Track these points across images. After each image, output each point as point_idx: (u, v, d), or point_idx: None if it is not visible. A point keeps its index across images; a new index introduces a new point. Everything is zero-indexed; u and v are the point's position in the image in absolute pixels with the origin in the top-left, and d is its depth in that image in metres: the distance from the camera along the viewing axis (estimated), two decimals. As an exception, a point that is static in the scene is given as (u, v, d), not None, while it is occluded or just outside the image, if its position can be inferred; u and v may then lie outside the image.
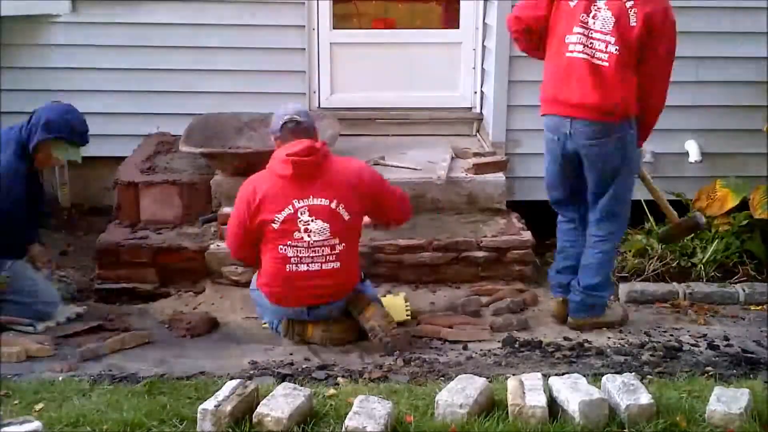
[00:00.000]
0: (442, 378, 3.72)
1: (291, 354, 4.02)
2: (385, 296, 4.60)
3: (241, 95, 5.73)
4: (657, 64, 4.09)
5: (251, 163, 4.56)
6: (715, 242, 5.08)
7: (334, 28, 5.93)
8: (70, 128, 4.28)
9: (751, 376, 3.77)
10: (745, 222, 5.11)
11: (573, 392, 3.11)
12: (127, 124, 5.81)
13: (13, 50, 5.62)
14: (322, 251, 4.00)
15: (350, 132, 5.76)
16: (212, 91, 5.74)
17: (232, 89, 5.77)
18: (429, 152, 5.64)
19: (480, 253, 4.87)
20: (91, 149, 5.78)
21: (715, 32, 5.46)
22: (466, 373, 3.47)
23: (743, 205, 5.09)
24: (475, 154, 5.42)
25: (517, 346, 4.13)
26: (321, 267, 4.00)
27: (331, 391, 3.40)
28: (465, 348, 4.12)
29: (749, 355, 4.07)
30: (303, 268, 4.00)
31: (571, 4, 4.10)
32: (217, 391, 3.12)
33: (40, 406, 3.29)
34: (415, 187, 5.18)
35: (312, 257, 3.99)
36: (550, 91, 4.20)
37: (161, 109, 5.80)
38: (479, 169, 5.26)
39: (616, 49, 4.01)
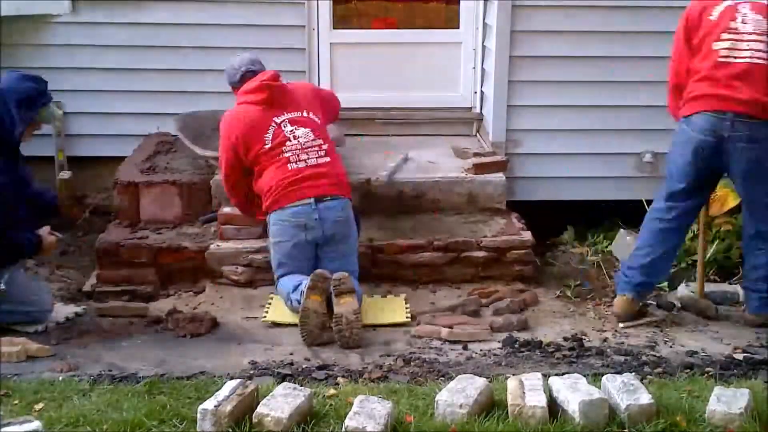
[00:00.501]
0: (442, 378, 3.72)
1: (291, 354, 4.02)
2: (385, 297, 4.60)
3: (241, 95, 5.73)
4: None
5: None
6: (716, 242, 5.07)
7: (334, 28, 5.93)
8: (41, 93, 4.13)
9: (752, 375, 3.78)
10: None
11: (573, 392, 3.11)
12: (127, 124, 5.81)
13: (13, 50, 5.62)
14: (314, 149, 4.48)
15: (350, 132, 5.75)
16: (212, 91, 5.72)
17: (232, 89, 5.77)
18: (429, 152, 5.64)
19: (480, 253, 4.87)
20: (91, 149, 5.84)
21: (715, 32, 5.45)
22: (466, 373, 3.47)
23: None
24: (475, 154, 5.42)
25: (517, 346, 4.13)
26: (317, 161, 4.47)
27: (331, 391, 3.40)
28: (465, 348, 4.12)
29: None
30: (302, 165, 4.44)
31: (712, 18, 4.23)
32: (217, 391, 3.12)
33: (40, 405, 3.29)
34: (415, 187, 5.19)
35: (308, 154, 4.47)
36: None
37: (161, 109, 5.79)
38: (479, 169, 5.26)
39: None
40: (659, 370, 3.86)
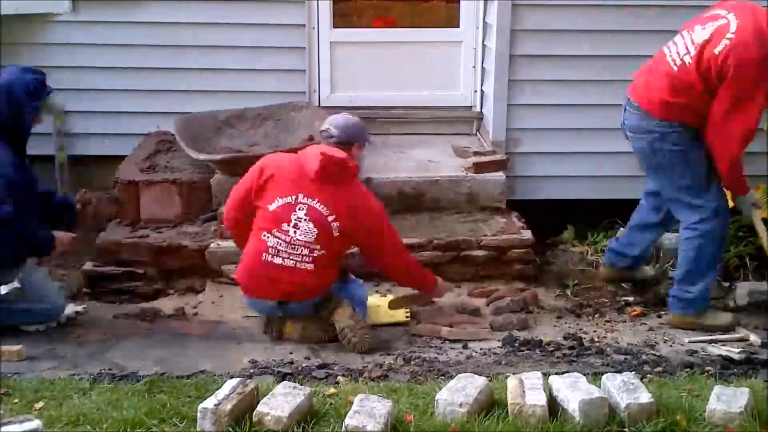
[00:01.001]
0: (442, 377, 3.72)
1: (291, 353, 4.02)
2: (385, 296, 4.60)
3: (241, 94, 5.72)
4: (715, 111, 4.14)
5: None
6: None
7: (334, 27, 5.92)
8: (42, 84, 4.12)
9: (752, 375, 3.78)
10: (741, 225, 5.10)
11: (573, 391, 3.10)
12: (128, 123, 5.81)
13: (13, 49, 5.61)
14: (301, 251, 4.03)
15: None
16: (212, 90, 5.74)
17: (232, 88, 5.77)
18: (429, 151, 5.64)
19: (480, 252, 4.88)
20: (91, 148, 5.84)
21: (715, 31, 5.45)
22: (466, 372, 3.47)
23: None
24: (476, 153, 5.42)
25: (517, 345, 4.13)
26: (295, 265, 4.03)
27: (332, 390, 3.40)
28: (465, 347, 4.12)
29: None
30: (278, 261, 4.04)
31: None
32: (217, 390, 3.12)
33: (40, 404, 3.29)
34: (415, 187, 5.18)
35: (289, 253, 4.03)
36: None
37: (161, 108, 5.80)
38: (479, 168, 5.26)
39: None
40: (659, 369, 3.86)
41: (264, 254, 4.04)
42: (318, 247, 4.04)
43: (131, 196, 5.14)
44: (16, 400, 3.34)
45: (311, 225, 4.02)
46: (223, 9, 5.68)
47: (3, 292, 4.07)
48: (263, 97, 5.67)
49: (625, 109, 4.43)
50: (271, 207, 4.04)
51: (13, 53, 5.59)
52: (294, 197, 4.03)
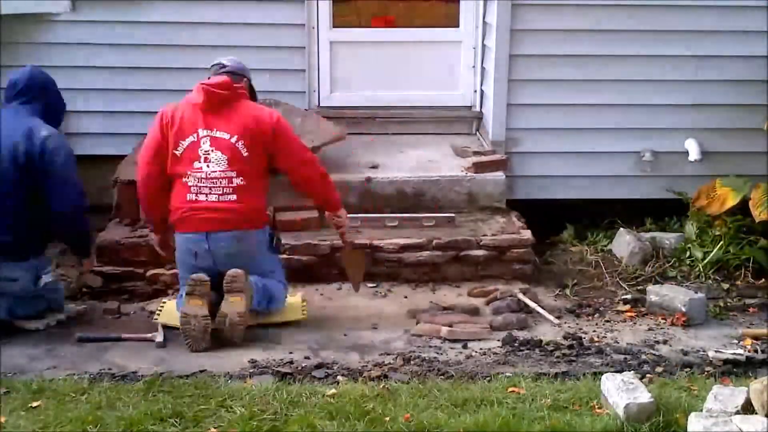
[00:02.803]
0: (442, 377, 3.72)
1: (291, 353, 4.02)
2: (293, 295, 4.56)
3: (241, 94, 5.72)
4: None
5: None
6: (720, 244, 5.06)
7: (333, 27, 5.93)
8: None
9: (752, 375, 3.78)
10: (741, 225, 5.10)
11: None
12: (127, 123, 5.80)
13: (13, 49, 5.61)
14: (221, 183, 4.13)
15: (350, 131, 5.75)
16: (212, 90, 5.73)
17: (232, 88, 5.76)
18: (429, 151, 5.64)
19: (480, 252, 4.87)
20: (91, 148, 5.84)
21: (714, 31, 5.46)
22: (465, 372, 3.47)
23: (744, 204, 5.09)
24: (475, 153, 5.42)
25: (516, 344, 4.13)
26: (218, 198, 4.13)
27: (332, 390, 3.40)
28: (465, 347, 4.12)
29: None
30: (202, 198, 4.13)
31: None
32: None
33: (38, 403, 3.29)
34: (415, 186, 5.18)
35: (210, 188, 4.13)
36: None
37: (161, 108, 5.79)
38: (479, 167, 5.26)
39: None
40: (659, 369, 3.86)
41: (188, 194, 4.14)
42: (234, 173, 4.13)
43: (131, 196, 5.13)
44: (16, 400, 3.35)
45: (219, 153, 4.13)
46: (223, 9, 5.68)
47: (46, 281, 4.26)
48: (262, 96, 5.65)
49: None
50: (178, 151, 4.16)
51: (13, 53, 5.59)
52: (195, 134, 4.15)
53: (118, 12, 5.64)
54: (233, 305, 4.06)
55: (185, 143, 4.16)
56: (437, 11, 6.33)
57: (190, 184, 4.14)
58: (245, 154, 4.16)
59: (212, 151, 4.14)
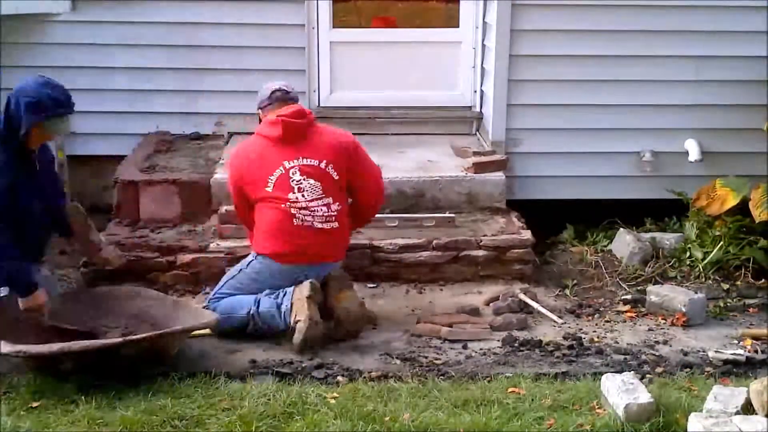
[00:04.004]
0: (442, 377, 3.72)
1: (290, 353, 4.02)
2: None
3: (241, 94, 5.72)
4: None
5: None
6: (720, 244, 5.06)
7: (333, 27, 5.93)
8: (55, 103, 3.99)
9: (751, 375, 3.78)
10: (741, 225, 5.10)
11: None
12: (127, 123, 5.81)
13: (13, 49, 5.62)
14: (321, 211, 4.10)
15: (350, 131, 5.74)
16: (211, 90, 5.74)
17: (232, 88, 5.77)
18: (429, 151, 5.64)
19: (480, 252, 4.87)
20: (90, 148, 5.84)
21: (714, 31, 5.45)
22: (465, 372, 3.47)
23: (744, 204, 5.09)
24: (475, 153, 5.42)
25: (516, 345, 4.13)
26: (323, 225, 4.11)
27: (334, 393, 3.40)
28: (465, 347, 4.12)
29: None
30: (308, 224, 4.10)
31: None
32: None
33: (38, 403, 3.29)
34: (415, 186, 5.19)
35: (313, 216, 4.10)
36: None
37: (161, 108, 5.81)
38: (479, 168, 5.26)
39: None
40: (659, 369, 3.86)
41: (294, 220, 4.08)
42: (330, 200, 4.12)
43: (131, 196, 5.14)
44: (16, 400, 3.35)
45: (312, 180, 4.09)
46: (223, 9, 5.68)
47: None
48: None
49: None
50: (269, 189, 4.09)
51: (13, 53, 5.60)
52: (282, 168, 4.09)
53: (118, 12, 5.65)
54: (351, 299, 4.12)
55: (273, 178, 4.09)
56: (437, 11, 6.34)
57: (292, 212, 4.08)
58: (336, 178, 4.16)
59: (304, 179, 4.10)
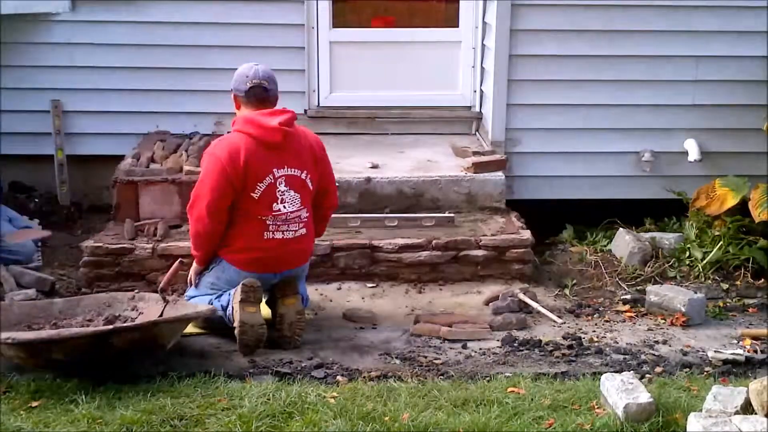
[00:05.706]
0: (441, 377, 3.72)
1: (290, 353, 4.02)
2: None
3: (241, 94, 5.73)
4: None
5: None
6: (719, 244, 5.06)
7: (333, 27, 5.93)
8: None
9: (750, 375, 3.78)
10: (741, 225, 5.10)
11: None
12: (126, 123, 5.81)
13: (12, 49, 5.62)
14: (295, 222, 4.10)
15: (349, 131, 5.77)
16: (211, 90, 5.74)
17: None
18: (429, 151, 5.64)
19: (479, 252, 4.87)
20: (90, 147, 5.84)
21: (714, 31, 5.46)
22: (465, 372, 3.47)
23: (743, 204, 5.09)
24: (475, 153, 5.42)
25: (516, 344, 4.13)
26: (294, 234, 4.11)
27: (334, 393, 3.40)
28: (464, 347, 4.12)
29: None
30: (278, 236, 4.07)
31: None
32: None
33: (38, 403, 3.29)
34: (414, 186, 5.19)
35: (288, 226, 4.09)
36: None
37: (160, 108, 5.81)
38: (479, 167, 5.26)
39: None
40: (659, 369, 3.86)
41: (266, 233, 4.05)
42: (304, 210, 4.13)
43: (130, 196, 5.13)
44: (16, 400, 3.35)
45: (293, 192, 4.08)
46: (223, 9, 5.69)
47: None
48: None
49: None
50: (256, 194, 4.02)
51: (13, 53, 5.60)
52: (271, 176, 4.03)
53: (117, 12, 5.65)
54: (292, 306, 4.08)
55: (262, 186, 4.02)
56: (437, 11, 6.34)
57: (268, 223, 4.05)
58: (311, 188, 4.16)
59: (287, 191, 4.07)
